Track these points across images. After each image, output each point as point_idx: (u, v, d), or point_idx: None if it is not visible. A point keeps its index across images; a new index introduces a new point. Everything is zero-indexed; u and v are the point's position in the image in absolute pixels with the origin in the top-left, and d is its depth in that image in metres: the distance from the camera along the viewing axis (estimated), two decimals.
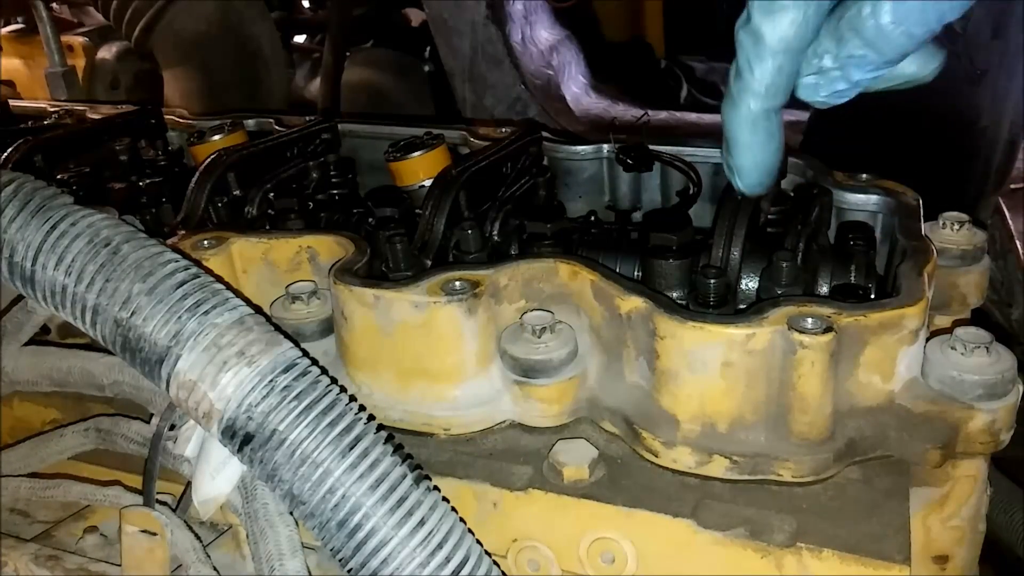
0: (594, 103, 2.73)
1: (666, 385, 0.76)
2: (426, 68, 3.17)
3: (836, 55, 0.70)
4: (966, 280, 0.96)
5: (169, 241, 0.91)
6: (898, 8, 0.65)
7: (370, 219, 1.09)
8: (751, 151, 0.76)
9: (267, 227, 1.07)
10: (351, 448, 0.67)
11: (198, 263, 0.77)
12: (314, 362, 0.72)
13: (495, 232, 1.03)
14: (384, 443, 0.69)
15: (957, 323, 0.91)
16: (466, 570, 0.67)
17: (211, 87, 2.61)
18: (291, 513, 0.73)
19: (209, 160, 1.12)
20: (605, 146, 1.19)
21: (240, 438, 0.68)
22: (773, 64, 0.70)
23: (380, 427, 0.71)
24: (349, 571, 0.67)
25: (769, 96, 0.72)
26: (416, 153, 1.15)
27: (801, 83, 0.73)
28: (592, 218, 1.14)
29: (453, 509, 0.70)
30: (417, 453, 0.74)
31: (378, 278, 0.87)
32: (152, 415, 0.85)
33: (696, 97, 3.17)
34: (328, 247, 0.93)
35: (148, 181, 1.23)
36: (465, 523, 0.70)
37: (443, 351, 0.82)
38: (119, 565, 0.83)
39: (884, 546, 0.68)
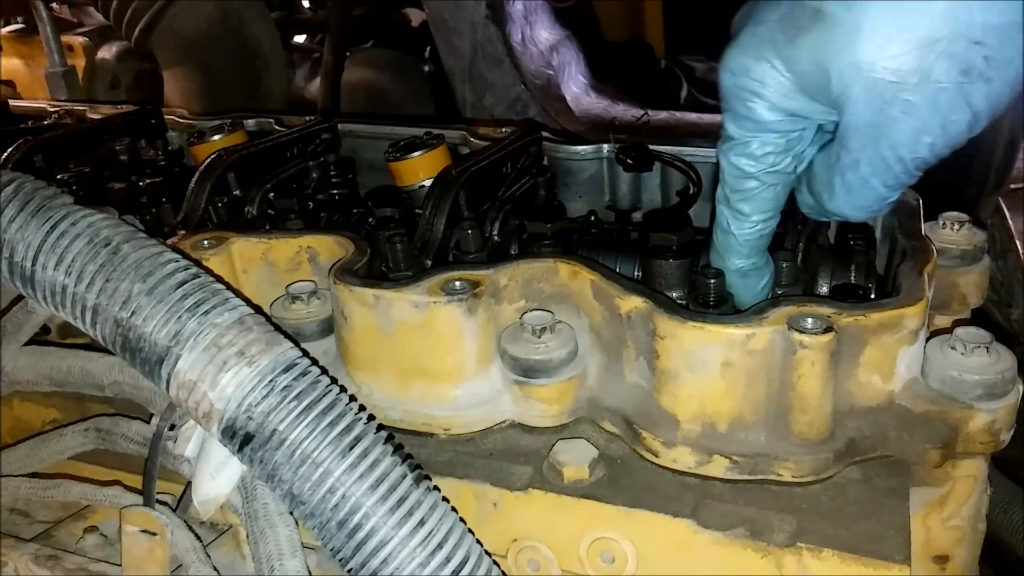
0: (594, 103, 2.72)
1: (666, 385, 0.76)
2: (426, 68, 3.17)
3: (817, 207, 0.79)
4: (966, 280, 0.96)
5: (169, 241, 0.91)
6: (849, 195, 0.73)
7: (370, 219, 1.09)
8: (746, 291, 0.84)
9: (267, 227, 1.07)
10: (351, 448, 0.67)
11: (198, 263, 0.77)
12: (314, 362, 0.72)
13: (495, 232, 1.03)
14: (384, 443, 0.69)
15: (957, 323, 0.91)
16: (466, 570, 0.67)
17: (211, 87, 2.61)
18: (291, 513, 0.73)
19: (209, 160, 1.12)
20: (605, 146, 1.19)
21: (240, 438, 0.68)
22: (745, 252, 0.81)
23: (380, 427, 0.71)
24: (349, 571, 0.67)
25: (751, 254, 0.81)
26: (416, 153, 1.15)
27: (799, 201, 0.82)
28: (592, 218, 1.14)
29: (453, 509, 0.70)
30: (417, 453, 0.74)
31: (378, 278, 0.87)
32: (152, 415, 0.85)
33: (696, 97, 3.17)
34: (328, 247, 0.93)
35: (148, 181, 1.23)
36: (465, 523, 0.70)
37: (443, 351, 0.82)
38: (119, 565, 0.83)
39: (884, 546, 0.68)
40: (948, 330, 0.80)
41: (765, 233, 0.80)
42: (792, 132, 0.73)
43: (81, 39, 2.91)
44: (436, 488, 0.71)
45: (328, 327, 0.90)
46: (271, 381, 0.68)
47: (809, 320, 0.72)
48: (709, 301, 0.82)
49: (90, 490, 0.90)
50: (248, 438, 0.68)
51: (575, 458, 0.77)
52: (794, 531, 0.70)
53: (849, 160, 0.70)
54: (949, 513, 0.84)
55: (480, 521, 0.76)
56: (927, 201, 0.96)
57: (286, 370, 0.69)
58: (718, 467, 0.76)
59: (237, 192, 1.12)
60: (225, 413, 0.68)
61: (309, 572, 0.74)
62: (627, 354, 0.80)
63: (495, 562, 0.71)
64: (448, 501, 0.70)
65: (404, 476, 0.68)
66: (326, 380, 0.71)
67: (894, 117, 0.65)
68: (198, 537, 0.82)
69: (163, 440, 0.82)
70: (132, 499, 0.86)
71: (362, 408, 0.71)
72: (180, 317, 0.70)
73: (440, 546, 0.67)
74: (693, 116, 2.65)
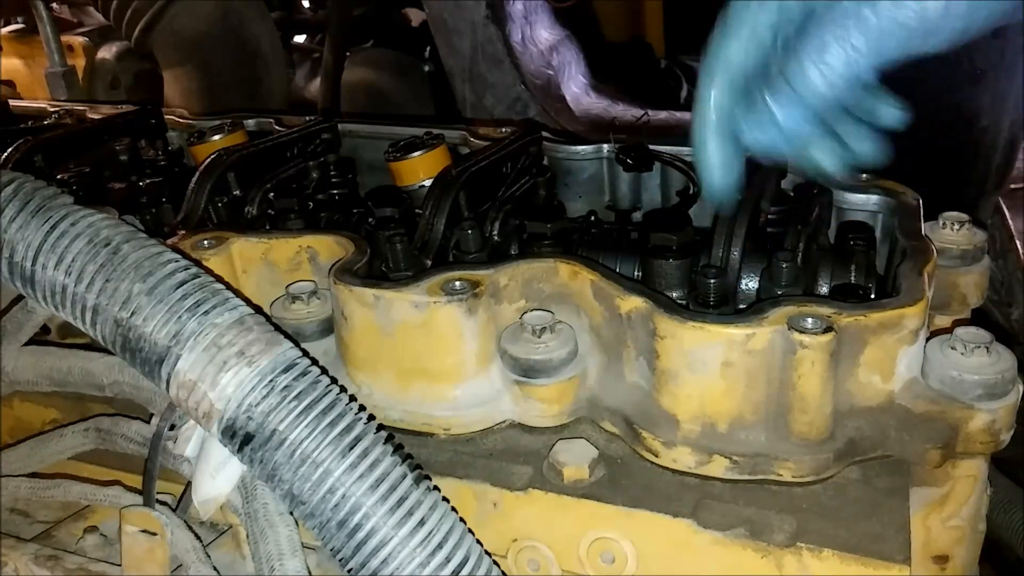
0: (594, 103, 2.72)
1: (666, 385, 0.76)
2: (426, 68, 3.17)
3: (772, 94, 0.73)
4: (966, 280, 0.96)
5: (169, 241, 0.91)
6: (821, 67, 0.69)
7: (370, 219, 1.09)
8: (709, 172, 0.78)
9: (267, 227, 1.07)
10: (351, 448, 0.67)
11: (198, 263, 0.77)
12: (314, 362, 0.72)
13: (495, 232, 1.03)
14: (384, 443, 0.69)
15: (957, 323, 0.91)
16: (466, 570, 0.67)
17: (211, 87, 2.61)
18: (291, 513, 0.73)
19: (209, 160, 1.12)
20: (605, 146, 1.19)
21: (240, 438, 0.68)
22: (717, 93, 0.75)
23: (380, 427, 0.71)
24: (349, 571, 0.67)
25: (719, 123, 0.75)
26: (416, 153, 1.15)
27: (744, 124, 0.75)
28: (592, 218, 1.14)
29: (453, 509, 0.70)
30: (417, 453, 0.74)
31: (378, 278, 0.87)
32: (152, 415, 0.85)
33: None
34: (328, 247, 0.93)
35: (148, 181, 1.23)
36: (465, 523, 0.70)
37: (443, 351, 0.82)
38: (119, 565, 0.83)
39: (884, 546, 0.68)
40: (948, 330, 0.80)
41: (725, 102, 0.75)
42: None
43: (81, 39, 2.91)
44: (436, 488, 0.71)
45: (328, 327, 0.90)
46: (271, 381, 0.68)
47: (809, 320, 0.72)
48: (709, 301, 0.82)
49: (90, 490, 0.90)
50: (248, 438, 0.68)
51: (575, 458, 0.77)
52: (794, 531, 0.70)
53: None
54: (949, 513, 0.84)
55: (480, 521, 0.76)
56: (927, 201, 0.96)
57: (286, 370, 0.69)
58: (718, 467, 0.76)
59: (237, 192, 1.12)
60: (225, 413, 0.68)
61: (309, 572, 0.74)
62: (627, 354, 0.80)
63: (495, 562, 0.71)
64: (448, 501, 0.70)
65: (404, 476, 0.68)
66: (326, 380, 0.71)
67: None
68: (198, 537, 0.82)
69: (163, 440, 0.82)
70: (132, 499, 0.86)
71: (362, 408, 0.71)
72: (180, 317, 0.70)
73: (440, 546, 0.67)
74: None
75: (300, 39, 3.51)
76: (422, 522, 0.67)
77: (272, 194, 1.12)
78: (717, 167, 0.77)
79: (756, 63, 0.74)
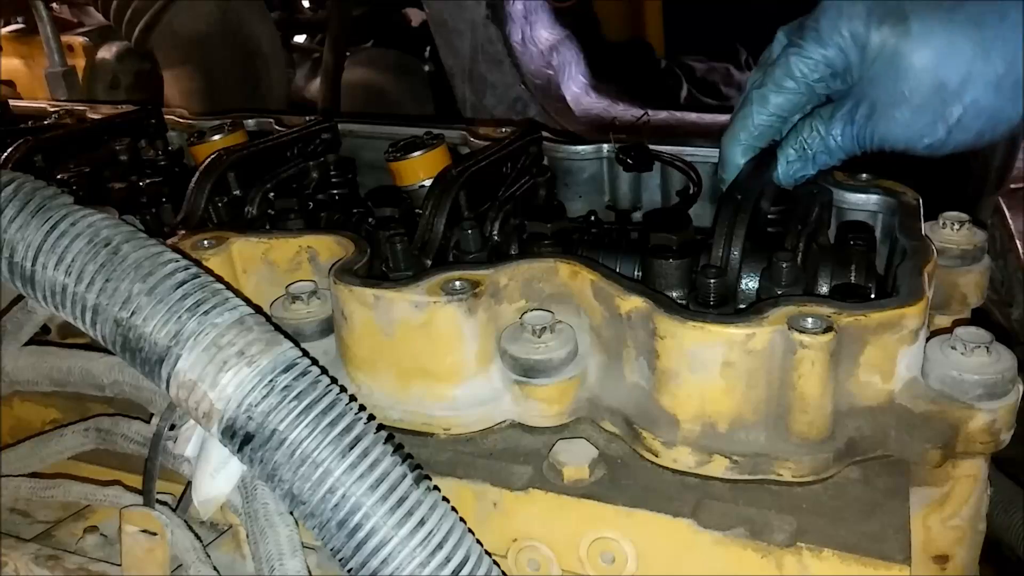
0: (594, 103, 2.72)
1: (666, 385, 0.76)
2: (426, 68, 3.17)
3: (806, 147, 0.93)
4: (966, 280, 0.96)
5: (169, 241, 0.91)
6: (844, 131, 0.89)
7: (370, 219, 1.09)
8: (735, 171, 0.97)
9: (267, 227, 1.07)
10: (351, 448, 0.67)
11: (198, 263, 0.77)
12: (314, 362, 0.72)
13: (495, 232, 1.03)
14: (384, 443, 0.69)
15: (957, 323, 0.91)
16: (466, 570, 0.67)
17: (211, 87, 2.61)
18: (291, 513, 0.73)
19: (209, 160, 1.12)
20: (605, 146, 1.19)
21: (240, 438, 0.68)
22: (767, 118, 0.95)
23: (380, 427, 0.71)
24: (349, 571, 0.67)
25: (755, 139, 0.96)
26: (416, 153, 1.15)
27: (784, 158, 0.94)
28: (592, 218, 1.14)
29: (453, 509, 0.70)
30: (417, 453, 0.74)
31: (378, 278, 0.87)
32: (152, 415, 0.85)
33: (696, 97, 3.17)
34: (328, 247, 0.93)
35: (148, 181, 1.23)
36: (465, 523, 0.70)
37: (443, 351, 0.82)
38: (119, 565, 0.83)
39: (884, 546, 0.68)
40: (948, 330, 0.80)
41: (771, 127, 0.95)
42: (840, 68, 0.88)
43: (81, 39, 2.91)
44: (436, 488, 0.71)
45: (328, 327, 0.90)
46: (271, 381, 0.68)
47: (809, 320, 0.72)
48: (710, 301, 0.82)
49: (90, 490, 0.90)
50: (248, 438, 0.68)
51: (575, 458, 0.77)
52: (794, 531, 0.70)
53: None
54: (949, 513, 0.84)
55: (480, 521, 0.76)
56: (927, 201, 0.96)
57: (286, 370, 0.69)
58: (718, 467, 0.76)
59: (237, 192, 1.12)
60: (225, 413, 0.68)
61: (309, 572, 0.74)
62: (627, 354, 0.80)
63: (495, 562, 0.71)
64: (448, 501, 0.70)
65: (404, 476, 0.68)
66: (326, 380, 0.71)
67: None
68: (198, 537, 0.82)
69: (163, 440, 0.82)
70: (132, 499, 0.86)
71: (362, 408, 0.71)
72: (180, 317, 0.70)
73: (440, 546, 0.67)
74: (693, 116, 2.65)
75: (300, 39, 3.51)
76: (422, 522, 0.67)
77: (272, 194, 1.12)
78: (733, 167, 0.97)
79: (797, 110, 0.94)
